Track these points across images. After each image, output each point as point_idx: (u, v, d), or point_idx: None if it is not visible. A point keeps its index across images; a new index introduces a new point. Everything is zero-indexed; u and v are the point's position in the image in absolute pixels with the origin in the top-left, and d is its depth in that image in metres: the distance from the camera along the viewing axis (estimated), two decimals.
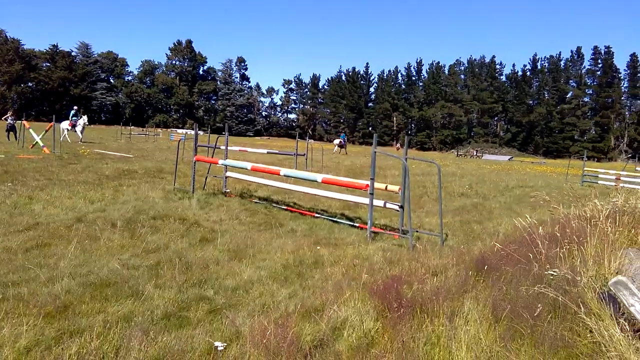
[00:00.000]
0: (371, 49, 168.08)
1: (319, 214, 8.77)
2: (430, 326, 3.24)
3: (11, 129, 23.85)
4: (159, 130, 61.74)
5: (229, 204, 9.12)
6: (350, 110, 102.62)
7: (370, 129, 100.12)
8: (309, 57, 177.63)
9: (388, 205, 7.51)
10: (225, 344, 3.02)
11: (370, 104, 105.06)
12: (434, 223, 8.47)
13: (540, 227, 5.01)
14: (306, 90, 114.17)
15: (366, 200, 7.26)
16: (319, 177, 8.19)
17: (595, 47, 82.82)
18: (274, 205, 9.41)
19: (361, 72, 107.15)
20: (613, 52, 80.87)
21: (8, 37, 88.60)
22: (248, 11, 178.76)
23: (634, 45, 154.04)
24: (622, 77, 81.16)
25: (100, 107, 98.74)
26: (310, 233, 7.24)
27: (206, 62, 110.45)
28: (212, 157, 10.71)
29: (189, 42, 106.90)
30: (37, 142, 19.33)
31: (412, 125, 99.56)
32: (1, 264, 4.68)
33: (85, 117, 26.43)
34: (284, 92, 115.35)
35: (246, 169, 9.65)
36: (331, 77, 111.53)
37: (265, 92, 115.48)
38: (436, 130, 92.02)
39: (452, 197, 12.92)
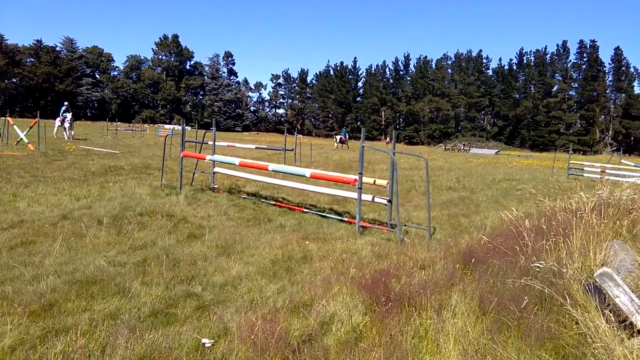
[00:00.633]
0: (359, 43, 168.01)
1: (307, 209, 8.76)
2: (418, 319, 3.25)
3: None
4: (146, 126, 61.19)
5: (217, 200, 9.07)
6: (339, 105, 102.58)
7: (358, 123, 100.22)
8: (297, 52, 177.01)
9: (376, 199, 7.53)
10: (213, 341, 3.00)
11: (359, 99, 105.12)
12: (422, 217, 8.51)
13: (527, 220, 5.05)
14: (294, 85, 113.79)
15: (355, 195, 7.27)
16: (307, 172, 8.18)
17: (581, 41, 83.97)
18: (262, 200, 9.38)
19: (349, 67, 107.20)
20: (598, 46, 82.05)
21: None
22: (235, 5, 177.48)
23: (618, 39, 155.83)
24: (607, 71, 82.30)
25: (85, 102, 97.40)
26: (299, 228, 7.24)
27: (193, 57, 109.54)
28: (200, 153, 10.62)
29: (176, 36, 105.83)
30: (21, 138, 19.03)
31: (401, 119, 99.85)
32: None
33: (68, 115, 25.76)
34: (272, 87, 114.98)
35: (234, 164, 9.60)
36: (319, 72, 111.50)
37: (253, 87, 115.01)
38: (424, 124, 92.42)
39: (440, 190, 12.99)
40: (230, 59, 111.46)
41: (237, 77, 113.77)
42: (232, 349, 2.94)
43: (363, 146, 7.27)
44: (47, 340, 3.07)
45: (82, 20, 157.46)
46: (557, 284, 3.50)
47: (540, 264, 3.99)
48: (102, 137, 32.61)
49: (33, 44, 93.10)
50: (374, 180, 7.49)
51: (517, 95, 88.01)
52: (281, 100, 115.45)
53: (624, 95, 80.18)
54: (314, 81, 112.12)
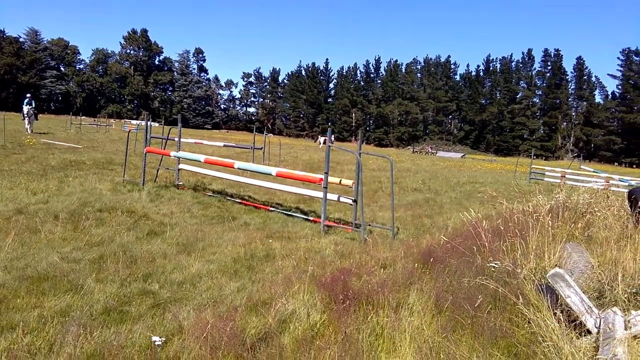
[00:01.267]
0: (331, 45, 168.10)
1: (273, 207, 8.72)
2: (375, 317, 3.27)
3: None
4: (112, 121, 59.45)
5: (181, 197, 8.92)
6: (310, 105, 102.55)
7: (329, 124, 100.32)
8: (269, 51, 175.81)
9: (342, 199, 7.56)
10: (164, 339, 2.94)
11: (330, 100, 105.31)
12: (387, 217, 8.59)
13: (485, 221, 5.17)
14: (266, 84, 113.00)
15: (321, 194, 7.28)
16: (273, 170, 8.14)
17: (546, 50, 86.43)
18: (227, 198, 9.28)
19: (321, 68, 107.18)
20: (562, 55, 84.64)
21: None
22: (207, 1, 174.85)
23: (580, 48, 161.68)
24: (569, 79, 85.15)
25: (49, 95, 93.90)
26: (264, 226, 7.20)
27: (162, 52, 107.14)
28: (165, 149, 10.42)
29: (144, 31, 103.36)
30: None
31: (371, 121, 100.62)
32: None
33: (25, 108, 24.20)
34: (244, 85, 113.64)
35: (200, 161, 9.47)
36: (291, 72, 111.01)
37: (224, 85, 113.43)
38: (393, 127, 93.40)
39: (405, 192, 13.16)
40: (200, 55, 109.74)
41: (207, 74, 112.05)
42: (185, 348, 2.89)
43: (330, 146, 7.29)
44: None
45: (47, 12, 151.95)
46: (511, 284, 3.59)
47: (495, 263, 4.08)
48: (65, 131, 31.52)
49: None
50: (340, 180, 7.52)
51: (483, 101, 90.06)
52: (252, 98, 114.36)
53: (585, 103, 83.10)
54: (285, 81, 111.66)
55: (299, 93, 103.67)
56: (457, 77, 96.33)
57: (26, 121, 24.19)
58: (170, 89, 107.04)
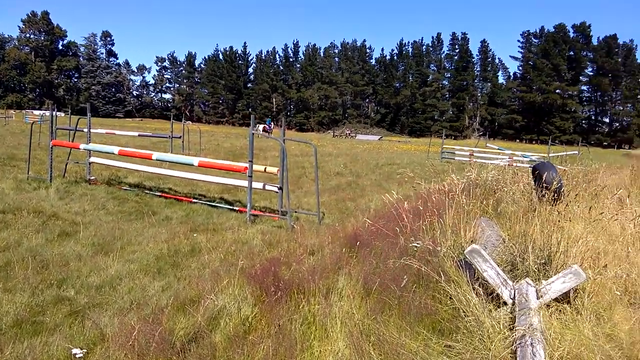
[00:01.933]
0: (248, 28, 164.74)
1: (196, 199, 8.46)
2: (307, 306, 3.29)
3: None
4: (12, 112, 54.09)
5: (94, 193, 8.37)
6: (229, 90, 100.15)
7: (250, 109, 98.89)
8: (184, 34, 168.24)
9: (267, 187, 7.50)
10: (86, 350, 2.75)
11: (250, 85, 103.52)
12: (312, 202, 8.67)
13: (406, 202, 5.37)
14: (181, 68, 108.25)
15: (246, 183, 7.16)
16: (195, 160, 7.87)
17: (453, 34, 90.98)
18: (146, 192, 8.85)
19: (239, 52, 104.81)
20: (468, 39, 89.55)
21: None
22: None
23: (485, 31, 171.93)
24: (475, 62, 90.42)
25: None
26: (187, 220, 6.96)
27: (66, 36, 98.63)
28: (73, 141, 9.68)
29: (46, 13, 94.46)
30: None
31: (291, 106, 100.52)
32: None
33: None
34: (157, 71, 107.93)
35: (113, 153, 8.92)
36: (208, 56, 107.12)
37: (135, 70, 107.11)
38: (314, 111, 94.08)
39: (328, 176, 13.36)
40: (109, 39, 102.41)
41: (117, 58, 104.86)
42: (109, 357, 2.72)
43: (253, 133, 7.17)
44: None
45: None
46: (433, 262, 3.77)
47: (417, 243, 4.26)
48: None
49: None
50: (265, 168, 7.46)
51: (397, 84, 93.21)
52: (167, 84, 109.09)
53: (489, 84, 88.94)
54: (202, 65, 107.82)
55: (217, 78, 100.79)
56: (373, 62, 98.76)
57: None
58: (76, 75, 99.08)
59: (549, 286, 3.24)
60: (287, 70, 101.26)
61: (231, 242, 5.63)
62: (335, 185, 11.60)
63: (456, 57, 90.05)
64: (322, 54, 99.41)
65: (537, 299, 3.15)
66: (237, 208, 7.82)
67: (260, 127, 44.77)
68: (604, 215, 5.03)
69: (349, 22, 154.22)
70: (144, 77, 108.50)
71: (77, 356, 2.53)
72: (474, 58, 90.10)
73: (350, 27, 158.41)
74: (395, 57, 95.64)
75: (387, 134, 78.21)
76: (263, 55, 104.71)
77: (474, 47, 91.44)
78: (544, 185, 5.50)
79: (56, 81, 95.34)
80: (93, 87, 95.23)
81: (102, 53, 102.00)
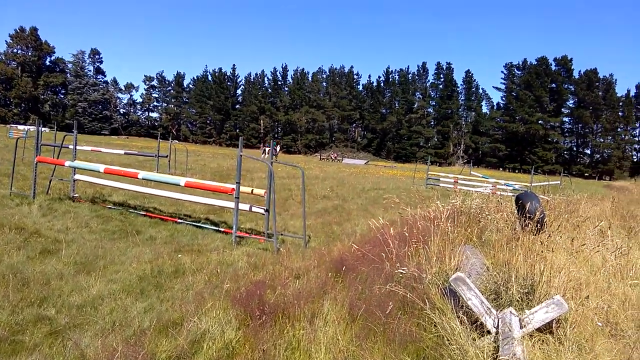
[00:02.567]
0: (238, 50, 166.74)
1: (181, 219, 8.40)
2: (291, 331, 3.28)
3: None
4: None
5: (78, 210, 8.26)
6: (217, 111, 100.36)
7: (237, 131, 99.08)
8: (173, 55, 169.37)
9: (254, 209, 7.49)
10: None
11: (238, 106, 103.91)
12: (299, 225, 8.66)
13: (392, 228, 5.42)
14: (170, 88, 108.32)
15: (232, 204, 7.14)
16: (181, 180, 7.85)
17: (438, 63, 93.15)
18: (130, 210, 8.76)
19: (228, 74, 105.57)
20: (453, 68, 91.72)
21: None
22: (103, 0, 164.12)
23: (469, 62, 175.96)
24: (459, 91, 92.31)
25: None
26: (172, 240, 6.89)
27: (54, 53, 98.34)
28: (58, 158, 9.58)
29: (34, 29, 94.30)
30: None
31: (279, 128, 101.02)
32: None
33: None
34: (145, 89, 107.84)
35: (98, 171, 8.83)
36: (197, 77, 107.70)
37: (123, 88, 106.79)
38: (301, 134, 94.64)
39: (315, 199, 13.37)
40: (97, 56, 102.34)
41: (105, 76, 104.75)
42: None
43: (241, 155, 7.19)
44: None
45: None
46: (418, 289, 3.79)
47: (403, 270, 4.29)
48: None
49: None
50: (252, 190, 7.46)
51: (384, 110, 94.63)
52: (155, 103, 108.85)
53: (473, 113, 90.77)
54: (191, 85, 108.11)
55: (206, 98, 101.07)
56: (360, 87, 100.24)
57: None
58: (62, 91, 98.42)
59: (532, 316, 3.28)
60: (276, 93, 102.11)
61: (216, 264, 5.58)
62: (321, 208, 11.61)
63: (441, 86, 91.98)
64: (310, 79, 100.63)
65: (521, 328, 3.18)
66: (222, 229, 7.78)
67: (267, 149, 46.29)
68: (585, 247, 5.13)
69: (337, 48, 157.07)
70: (131, 96, 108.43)
71: None
72: (458, 87, 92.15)
73: (338, 53, 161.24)
74: (381, 84, 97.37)
75: (374, 159, 78.86)
76: (252, 77, 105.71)
77: (458, 77, 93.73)
78: (527, 214, 5.60)
79: (42, 97, 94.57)
80: (79, 103, 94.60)
81: (90, 70, 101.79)
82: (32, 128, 46.30)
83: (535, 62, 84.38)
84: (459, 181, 21.87)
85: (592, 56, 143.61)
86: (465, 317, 3.30)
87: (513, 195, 8.46)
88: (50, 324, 3.57)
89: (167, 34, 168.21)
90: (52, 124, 46.40)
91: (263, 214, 7.50)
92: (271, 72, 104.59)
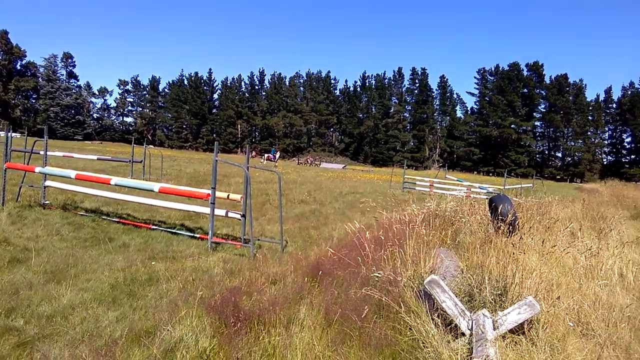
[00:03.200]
0: (214, 54, 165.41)
1: (156, 225, 8.26)
2: (267, 337, 3.25)
3: None
4: None
5: (48, 218, 8.05)
6: (194, 115, 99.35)
7: (214, 135, 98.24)
8: (148, 59, 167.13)
9: (230, 214, 7.42)
10: None
11: (214, 111, 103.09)
12: (276, 230, 8.63)
13: (368, 232, 5.44)
14: (145, 92, 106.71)
15: (208, 210, 7.07)
16: (155, 186, 7.73)
17: (413, 69, 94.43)
18: (103, 217, 8.58)
19: (204, 78, 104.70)
20: (428, 74, 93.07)
21: None
22: (77, 2, 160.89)
23: (443, 67, 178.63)
24: (434, 96, 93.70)
25: None
26: (146, 247, 6.77)
27: (25, 57, 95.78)
28: (28, 164, 9.32)
29: (4, 32, 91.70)
30: None
31: (256, 133, 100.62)
32: None
33: None
34: (119, 94, 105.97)
35: (70, 177, 8.63)
36: (172, 81, 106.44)
37: (97, 93, 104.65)
38: (279, 138, 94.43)
39: (292, 203, 13.34)
40: (70, 60, 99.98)
41: (78, 80, 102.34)
42: None
43: (217, 160, 7.13)
44: None
45: None
46: (394, 292, 3.81)
47: (379, 273, 4.31)
48: None
49: None
50: (228, 195, 7.39)
51: (361, 115, 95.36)
52: (130, 108, 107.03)
53: (448, 118, 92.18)
54: (166, 90, 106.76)
55: (182, 103, 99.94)
56: (337, 92, 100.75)
57: None
58: (34, 96, 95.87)
59: (505, 317, 3.33)
60: (253, 97, 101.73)
61: (191, 271, 5.51)
62: (299, 213, 11.59)
63: (416, 91, 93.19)
64: (287, 83, 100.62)
65: (494, 330, 3.23)
66: (198, 235, 7.69)
67: (265, 155, 47.78)
68: (557, 248, 5.25)
69: (314, 53, 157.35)
70: (105, 100, 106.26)
71: None
72: (433, 92, 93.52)
73: (315, 58, 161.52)
74: (358, 89, 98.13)
75: (351, 163, 79.30)
76: (229, 81, 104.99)
77: (433, 82, 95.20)
78: (500, 217, 5.70)
79: (13, 101, 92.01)
80: (51, 108, 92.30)
81: (63, 74, 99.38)
82: (2, 133, 45.03)
83: (508, 68, 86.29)
84: (435, 185, 22.16)
85: (563, 62, 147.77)
86: (440, 320, 3.33)
87: (487, 198, 8.60)
88: (19, 335, 3.47)
89: (142, 37, 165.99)
90: (23, 129, 45.11)
91: (239, 219, 7.44)
92: (248, 76, 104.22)
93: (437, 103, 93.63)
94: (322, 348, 3.12)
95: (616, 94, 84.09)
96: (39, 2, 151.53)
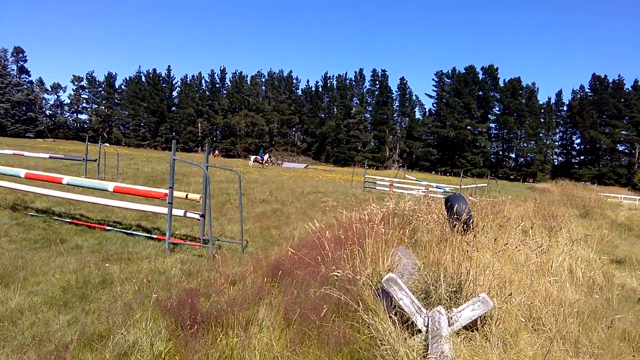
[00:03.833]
0: (173, 52, 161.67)
1: (111, 226, 8.02)
2: (224, 339, 3.22)
3: None
4: None
5: None
6: (152, 113, 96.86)
7: (174, 134, 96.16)
8: (103, 54, 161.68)
9: (189, 214, 7.29)
10: None
11: (174, 109, 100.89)
12: (236, 230, 8.54)
13: (328, 231, 5.48)
14: (100, 89, 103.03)
15: (165, 210, 6.92)
16: (110, 185, 7.50)
17: (374, 70, 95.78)
18: (55, 218, 8.25)
19: (163, 75, 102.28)
20: (388, 75, 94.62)
21: None
22: None
23: (403, 70, 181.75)
24: (394, 97, 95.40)
25: None
26: (100, 248, 6.56)
27: None
28: None
29: None
30: None
31: (217, 132, 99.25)
32: None
33: None
34: (74, 90, 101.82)
35: (19, 176, 8.26)
36: (129, 77, 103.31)
37: (50, 89, 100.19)
38: (240, 137, 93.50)
39: (254, 203, 13.25)
40: (21, 55, 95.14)
41: (29, 76, 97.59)
42: None
43: (174, 159, 6.99)
44: None
45: None
46: (352, 291, 3.86)
47: (338, 272, 4.35)
48: None
49: None
50: (187, 195, 7.26)
51: (323, 115, 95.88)
52: (84, 104, 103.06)
53: (407, 119, 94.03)
54: (123, 87, 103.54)
55: (139, 100, 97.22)
56: (299, 92, 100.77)
57: None
58: None
59: (460, 314, 3.43)
60: (214, 95, 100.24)
61: (147, 273, 5.37)
62: (260, 212, 11.52)
63: (377, 92, 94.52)
64: (249, 82, 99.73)
65: (449, 326, 3.32)
66: (155, 236, 7.51)
67: (252, 157, 47.56)
68: (509, 246, 5.45)
69: (276, 52, 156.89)
70: (58, 96, 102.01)
71: None
72: (393, 94, 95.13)
73: (277, 58, 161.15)
74: (320, 89, 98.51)
75: (313, 163, 79.49)
76: (188, 79, 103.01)
77: (393, 84, 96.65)
78: (455, 216, 5.86)
79: None
80: (1, 104, 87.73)
81: (13, 69, 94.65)
82: None
83: (464, 71, 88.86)
84: (395, 184, 22.54)
85: (516, 65, 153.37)
86: (397, 317, 3.39)
87: (444, 198, 8.83)
88: None
89: (97, 32, 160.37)
90: None
91: (199, 220, 7.32)
92: (209, 74, 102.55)
93: (396, 104, 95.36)
94: (281, 348, 3.12)
95: (566, 97, 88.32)
96: None
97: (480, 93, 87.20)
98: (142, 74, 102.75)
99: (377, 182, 24.13)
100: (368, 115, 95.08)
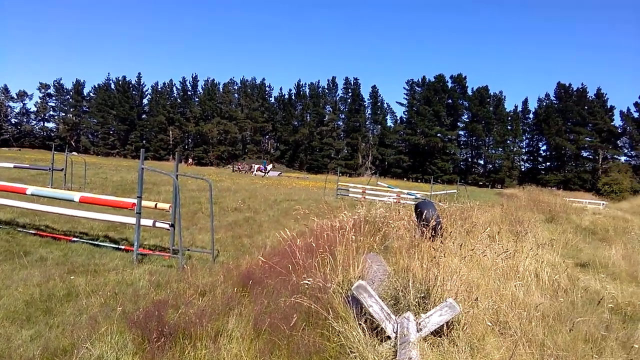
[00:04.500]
0: (143, 59, 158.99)
1: (77, 237, 7.81)
2: (192, 351, 3.18)
3: None
4: None
5: None
6: (121, 121, 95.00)
7: (144, 142, 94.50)
8: (71, 61, 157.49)
9: (158, 224, 7.17)
10: None
11: (144, 116, 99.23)
12: (207, 240, 8.45)
13: (300, 239, 5.48)
14: (68, 97, 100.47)
15: (134, 220, 6.79)
16: (76, 195, 7.33)
17: (346, 78, 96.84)
18: (19, 229, 7.99)
19: (133, 82, 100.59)
20: (360, 83, 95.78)
21: None
22: None
23: (374, 78, 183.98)
24: (366, 105, 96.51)
25: None
26: (65, 260, 6.38)
27: None
28: None
29: None
30: None
31: (189, 140, 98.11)
32: None
33: None
34: (40, 97, 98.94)
35: None
36: (98, 85, 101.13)
37: (15, 96, 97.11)
38: (213, 145, 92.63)
39: (226, 212, 13.14)
40: None
41: None
42: None
43: (142, 168, 6.88)
44: None
45: None
46: (323, 299, 3.87)
47: (308, 280, 4.36)
48: None
49: None
50: (156, 204, 7.15)
51: (296, 123, 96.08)
52: (51, 112, 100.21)
53: (379, 127, 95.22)
54: (92, 94, 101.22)
55: (108, 108, 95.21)
56: (272, 100, 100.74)
57: None
58: None
59: (428, 319, 3.48)
60: (185, 103, 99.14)
61: (114, 285, 5.26)
62: (232, 221, 11.43)
63: (349, 100, 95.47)
64: (221, 89, 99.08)
65: (417, 332, 3.37)
66: (123, 247, 7.36)
67: (256, 166, 47.70)
68: (475, 251, 5.57)
69: (249, 59, 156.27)
70: (24, 104, 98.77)
71: None
72: (365, 102, 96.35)
73: (249, 65, 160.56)
74: (293, 97, 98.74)
75: (287, 170, 79.35)
76: (159, 87, 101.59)
77: (365, 92, 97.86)
78: (424, 222, 5.96)
79: None
80: None
81: None
82: None
83: (434, 80, 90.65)
84: (367, 191, 22.71)
85: (484, 74, 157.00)
86: (367, 324, 3.42)
87: (414, 204, 8.96)
88: None
89: (65, 38, 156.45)
90: None
91: (168, 229, 7.21)
92: (180, 81, 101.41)
93: (369, 112, 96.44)
94: (250, 359, 3.10)
95: (532, 105, 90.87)
96: None
97: (450, 101, 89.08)
98: (111, 82, 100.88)
99: (350, 189, 24.27)
100: (341, 123, 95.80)
